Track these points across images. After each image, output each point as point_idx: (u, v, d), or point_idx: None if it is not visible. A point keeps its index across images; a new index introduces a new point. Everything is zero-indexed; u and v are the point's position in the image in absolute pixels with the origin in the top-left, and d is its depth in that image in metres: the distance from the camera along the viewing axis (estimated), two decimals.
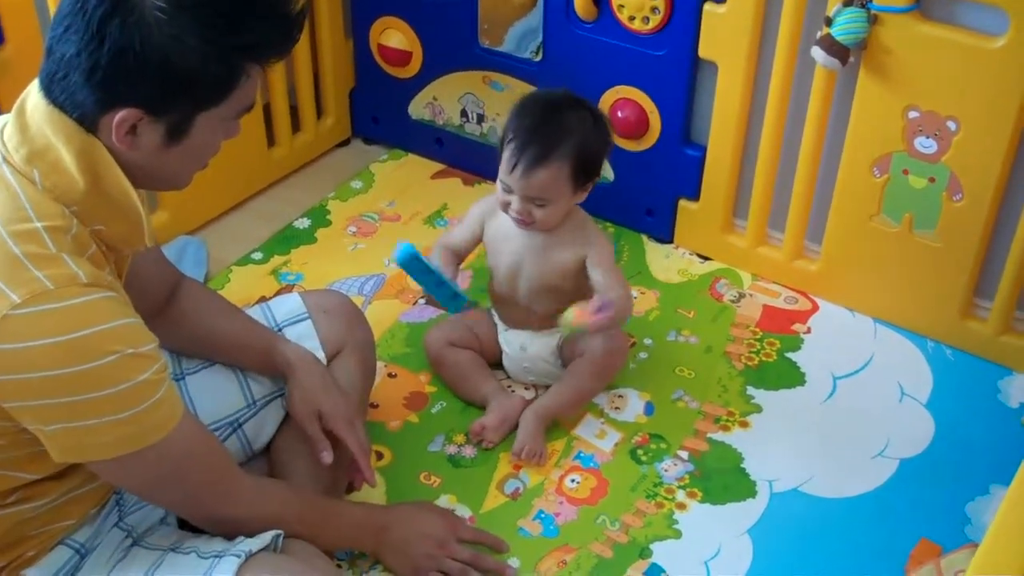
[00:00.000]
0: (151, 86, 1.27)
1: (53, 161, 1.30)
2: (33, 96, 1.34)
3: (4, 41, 1.95)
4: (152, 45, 1.25)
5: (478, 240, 2.06)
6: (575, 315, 1.86)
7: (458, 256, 2.05)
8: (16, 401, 1.28)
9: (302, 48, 2.61)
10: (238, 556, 1.45)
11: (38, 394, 1.27)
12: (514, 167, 1.87)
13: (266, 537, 1.50)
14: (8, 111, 1.95)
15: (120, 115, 1.28)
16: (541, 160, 1.86)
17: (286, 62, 2.57)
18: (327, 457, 1.70)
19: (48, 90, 1.31)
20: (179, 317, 1.72)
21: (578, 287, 1.99)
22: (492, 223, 2.04)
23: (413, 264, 1.86)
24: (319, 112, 2.76)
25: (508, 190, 1.92)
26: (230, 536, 1.52)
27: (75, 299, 1.27)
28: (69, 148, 1.30)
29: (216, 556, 1.47)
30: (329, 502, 1.70)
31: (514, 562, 1.81)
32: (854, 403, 2.12)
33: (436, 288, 1.90)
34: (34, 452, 1.36)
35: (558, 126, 1.88)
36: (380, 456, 1.99)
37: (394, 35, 2.63)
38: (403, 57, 2.64)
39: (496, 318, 2.12)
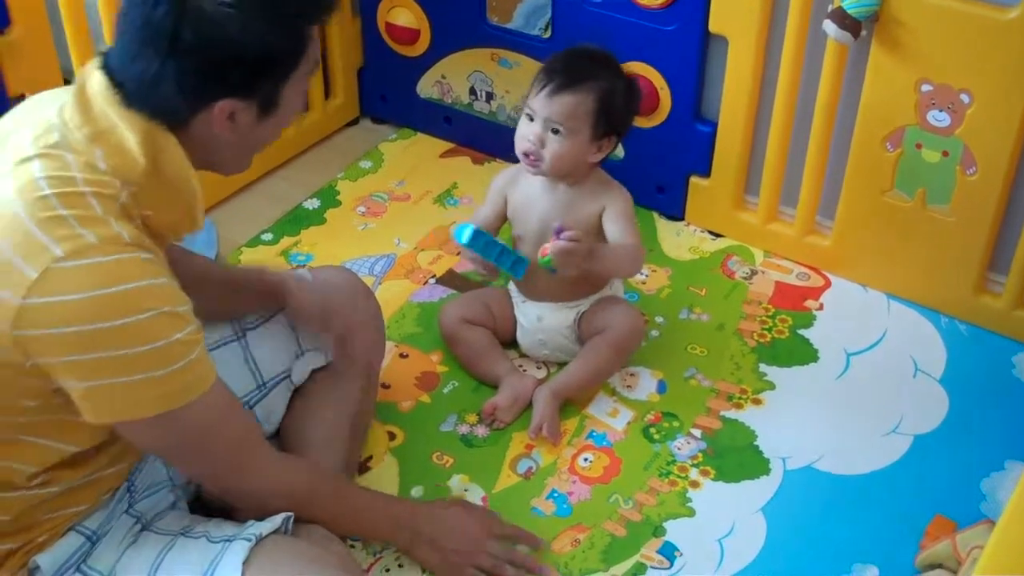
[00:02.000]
0: (237, 77, 1.35)
1: (116, 143, 1.34)
2: (95, 79, 1.36)
3: (10, 23, 1.95)
4: (228, 40, 1.32)
5: (503, 215, 2.09)
6: (541, 250, 1.90)
7: (491, 231, 2.07)
8: (55, 357, 1.29)
9: None
10: (248, 540, 1.45)
11: (76, 349, 1.28)
12: (541, 89, 1.93)
13: (276, 520, 1.49)
14: (15, 93, 1.95)
15: (217, 108, 1.35)
16: (569, 85, 1.92)
17: None
18: (333, 354, 1.78)
19: (128, 100, 1.35)
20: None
21: (602, 242, 2.02)
22: (514, 194, 2.06)
23: (479, 239, 1.91)
24: (327, 92, 2.75)
25: (530, 118, 1.95)
26: (254, 513, 1.52)
27: (116, 255, 1.30)
28: (134, 130, 1.34)
29: (227, 540, 1.47)
30: (360, 492, 1.69)
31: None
32: (868, 379, 2.11)
33: (501, 257, 1.95)
34: (64, 420, 1.37)
35: (591, 66, 1.96)
36: (392, 436, 1.99)
37: (402, 13, 2.61)
38: (411, 35, 2.63)
39: (514, 291, 2.13)
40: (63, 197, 1.30)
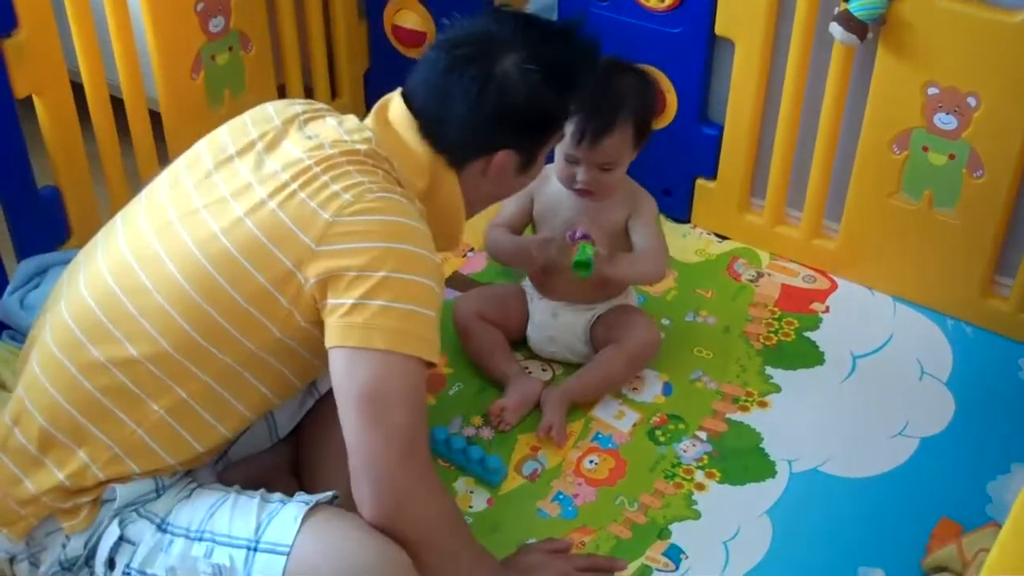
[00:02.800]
0: (523, 133, 1.61)
1: (413, 162, 1.56)
2: (396, 107, 1.60)
3: (17, 25, 1.95)
4: (525, 101, 1.56)
5: (529, 216, 2.10)
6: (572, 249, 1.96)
7: (515, 232, 2.10)
8: (344, 270, 1.43)
9: (316, 30, 2.60)
10: (306, 503, 1.48)
11: (363, 265, 1.43)
12: (581, 140, 1.93)
13: (327, 495, 1.52)
14: (22, 95, 1.96)
15: (499, 156, 1.59)
16: (608, 128, 1.92)
17: (300, 44, 2.56)
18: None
19: (424, 131, 1.58)
20: None
21: (626, 248, 2.04)
22: (541, 195, 2.07)
23: (453, 445, 1.97)
24: (333, 93, 2.75)
25: (574, 161, 1.96)
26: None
27: (402, 198, 1.51)
28: (422, 156, 1.57)
29: (281, 502, 1.50)
30: (472, 541, 1.65)
31: (531, 543, 1.81)
32: (873, 382, 2.11)
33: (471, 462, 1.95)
34: (275, 367, 1.52)
35: (615, 92, 1.94)
36: None
37: (408, 16, 2.61)
38: (418, 38, 2.63)
39: (529, 288, 2.13)
40: (362, 171, 1.51)
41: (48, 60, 2.00)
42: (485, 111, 1.54)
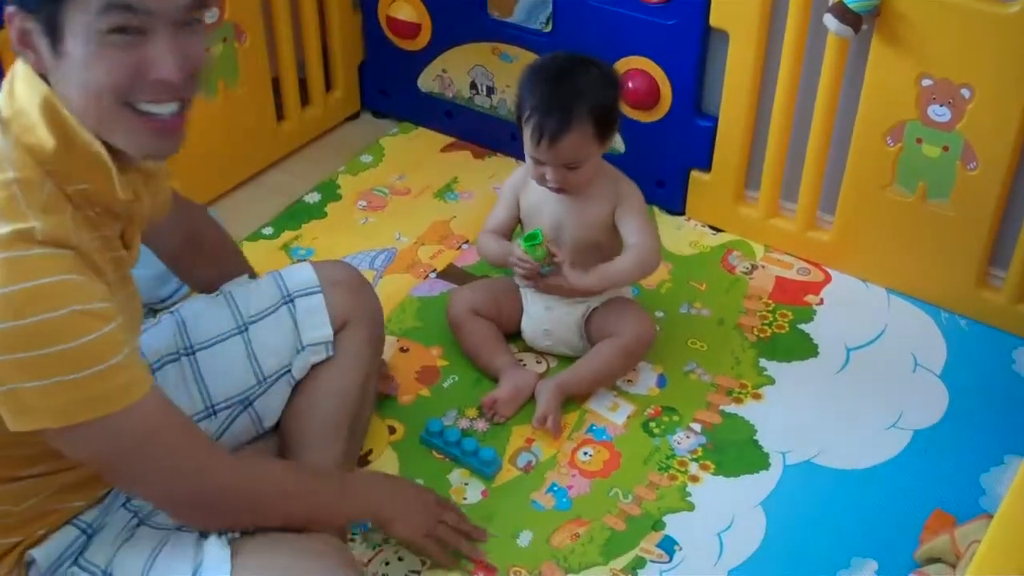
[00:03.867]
0: None
1: (27, 122, 1.28)
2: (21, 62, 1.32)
3: None
4: None
5: (517, 216, 2.10)
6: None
7: (506, 236, 2.10)
8: None
9: (310, 21, 2.60)
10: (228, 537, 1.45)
11: None
12: (539, 141, 1.91)
13: None
14: None
15: (8, 16, 1.25)
16: (564, 128, 1.89)
17: (294, 35, 2.56)
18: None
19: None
20: (200, 241, 1.82)
21: (617, 240, 2.03)
22: (526, 194, 2.07)
23: (440, 436, 1.97)
24: (328, 85, 2.75)
25: (539, 162, 1.95)
26: (203, 528, 1.47)
27: (18, 252, 1.23)
28: (36, 106, 1.28)
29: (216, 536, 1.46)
30: (321, 486, 1.59)
31: (527, 535, 1.81)
32: (867, 374, 2.11)
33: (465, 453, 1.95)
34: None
35: (571, 90, 1.91)
36: (392, 430, 1.99)
37: (403, 7, 2.61)
38: (412, 29, 2.63)
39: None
40: None
41: None
42: None
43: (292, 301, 1.78)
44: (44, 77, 1.29)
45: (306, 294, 1.79)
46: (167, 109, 1.31)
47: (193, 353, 1.72)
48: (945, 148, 2.07)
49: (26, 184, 1.27)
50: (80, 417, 1.27)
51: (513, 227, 2.12)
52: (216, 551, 1.43)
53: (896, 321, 2.23)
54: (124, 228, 1.40)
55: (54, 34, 1.25)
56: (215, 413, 1.72)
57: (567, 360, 2.10)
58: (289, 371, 1.77)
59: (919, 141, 2.09)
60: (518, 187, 2.08)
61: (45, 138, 1.28)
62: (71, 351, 1.24)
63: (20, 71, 1.31)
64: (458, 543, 1.75)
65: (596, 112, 1.91)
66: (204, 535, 1.47)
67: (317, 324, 1.77)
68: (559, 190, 1.98)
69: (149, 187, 1.43)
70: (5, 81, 1.33)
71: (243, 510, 1.47)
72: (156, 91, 1.29)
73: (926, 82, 2.03)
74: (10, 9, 1.25)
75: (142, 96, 1.29)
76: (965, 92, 2.00)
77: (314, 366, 1.78)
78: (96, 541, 1.50)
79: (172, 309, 1.81)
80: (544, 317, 2.10)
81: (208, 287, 1.83)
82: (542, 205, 2.04)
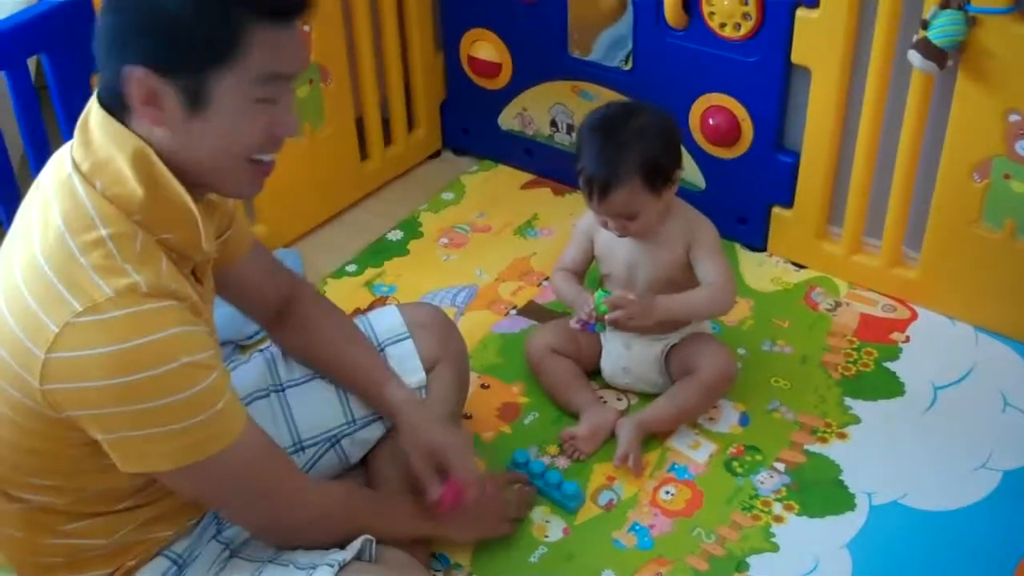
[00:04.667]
0: (149, 41, 1.27)
1: (114, 172, 1.31)
2: (93, 106, 1.35)
3: None
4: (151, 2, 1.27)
5: (591, 255, 2.10)
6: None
7: (577, 276, 2.10)
8: (78, 410, 1.31)
9: (394, 61, 2.64)
10: (331, 566, 1.46)
11: (97, 403, 1.29)
12: (591, 196, 1.93)
13: (356, 545, 1.51)
14: None
15: (127, 72, 1.27)
16: (611, 184, 1.90)
17: (378, 75, 2.60)
18: (433, 494, 1.68)
19: (99, 93, 1.34)
20: (299, 325, 1.75)
21: (694, 279, 2.02)
22: (599, 235, 2.07)
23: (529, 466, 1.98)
24: (410, 125, 2.79)
25: (598, 212, 1.97)
26: (295, 548, 1.54)
27: (132, 308, 1.28)
28: (124, 156, 1.31)
29: (312, 567, 1.49)
30: (392, 510, 1.70)
31: (609, 574, 1.81)
32: (955, 413, 2.08)
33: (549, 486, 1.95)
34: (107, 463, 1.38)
35: (617, 144, 1.90)
36: None
37: (484, 47, 2.64)
38: (493, 68, 2.66)
39: None
40: (81, 244, 1.29)
41: None
42: (112, 17, 1.29)
43: (383, 350, 1.81)
44: (122, 120, 1.32)
45: (396, 341, 1.81)
46: (273, 156, 1.39)
47: (283, 390, 1.75)
48: None
49: (119, 238, 1.31)
50: (188, 460, 1.35)
51: (586, 266, 2.12)
52: None
53: (984, 359, 2.19)
54: (195, 265, 1.44)
55: (196, 98, 1.29)
56: (303, 449, 1.75)
57: (648, 397, 2.10)
58: (381, 418, 1.78)
59: (1007, 177, 2.06)
60: (591, 228, 2.08)
61: (135, 188, 1.31)
62: (181, 402, 1.31)
63: (97, 122, 1.33)
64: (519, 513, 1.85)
65: (645, 166, 1.90)
66: (300, 567, 1.50)
67: (409, 370, 1.80)
68: (623, 235, 1.99)
69: (212, 217, 1.48)
70: (77, 132, 1.35)
71: (334, 535, 1.54)
72: (278, 146, 1.38)
73: (1013, 117, 2.00)
74: (137, 71, 1.27)
75: (267, 151, 1.37)
76: None
77: None
78: (188, 573, 1.54)
79: (263, 347, 1.84)
80: (623, 355, 2.09)
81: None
82: (615, 245, 2.04)
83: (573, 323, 2.00)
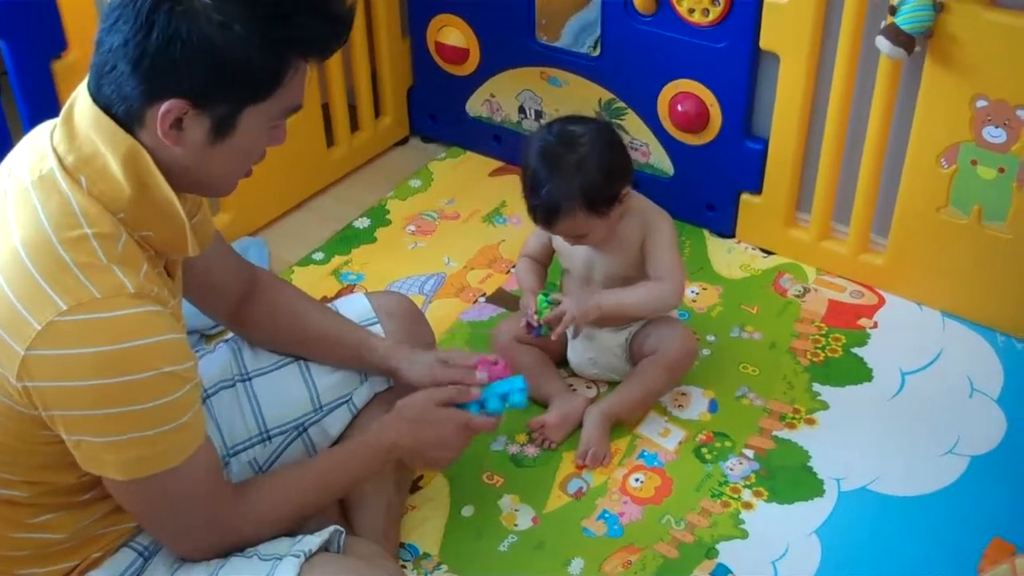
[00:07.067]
0: (197, 75, 1.25)
1: (100, 168, 1.29)
2: (81, 99, 1.32)
3: (68, 47, 1.97)
4: (200, 33, 1.23)
5: (551, 248, 2.10)
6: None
7: (541, 264, 2.11)
8: (51, 409, 1.29)
9: (360, 47, 2.62)
10: (297, 556, 1.44)
11: (72, 404, 1.27)
12: (536, 222, 1.95)
13: (324, 534, 1.49)
14: None
15: (166, 106, 1.26)
16: (553, 217, 1.91)
17: (344, 62, 2.58)
18: (481, 376, 1.70)
19: (96, 86, 1.30)
20: (266, 309, 1.73)
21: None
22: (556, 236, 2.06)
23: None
24: (377, 111, 2.76)
25: None
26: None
27: (121, 310, 1.26)
28: (115, 154, 1.29)
29: (276, 558, 1.47)
30: (337, 460, 1.62)
31: (578, 562, 1.80)
32: (923, 399, 2.09)
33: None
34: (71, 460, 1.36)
35: (557, 178, 1.88)
36: None
37: (451, 33, 2.62)
38: (460, 55, 2.64)
39: None
40: (65, 241, 1.27)
41: None
42: (150, 36, 1.24)
43: None
44: (121, 123, 1.29)
45: (366, 326, 1.80)
46: None
47: (249, 379, 1.74)
48: (1001, 170, 2.04)
49: (102, 238, 1.29)
50: (144, 472, 1.33)
51: (549, 255, 2.12)
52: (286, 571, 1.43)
53: (952, 345, 2.20)
54: (167, 259, 1.42)
55: (224, 127, 1.30)
56: (269, 439, 1.73)
57: (617, 385, 2.09)
58: (349, 400, 1.77)
59: (974, 163, 2.07)
60: None
61: (122, 187, 1.29)
62: (149, 410, 1.29)
63: (85, 116, 1.31)
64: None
65: (586, 197, 1.88)
66: (264, 558, 1.47)
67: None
68: (577, 244, 2.00)
69: (184, 207, 1.44)
70: (61, 123, 1.33)
71: (289, 523, 1.52)
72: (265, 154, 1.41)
73: (981, 103, 2.01)
74: (177, 104, 1.26)
75: (259, 161, 1.41)
76: (1021, 113, 1.98)
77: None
78: (153, 564, 1.51)
79: (227, 337, 1.82)
80: (587, 346, 2.08)
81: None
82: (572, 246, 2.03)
83: (521, 326, 2.00)
